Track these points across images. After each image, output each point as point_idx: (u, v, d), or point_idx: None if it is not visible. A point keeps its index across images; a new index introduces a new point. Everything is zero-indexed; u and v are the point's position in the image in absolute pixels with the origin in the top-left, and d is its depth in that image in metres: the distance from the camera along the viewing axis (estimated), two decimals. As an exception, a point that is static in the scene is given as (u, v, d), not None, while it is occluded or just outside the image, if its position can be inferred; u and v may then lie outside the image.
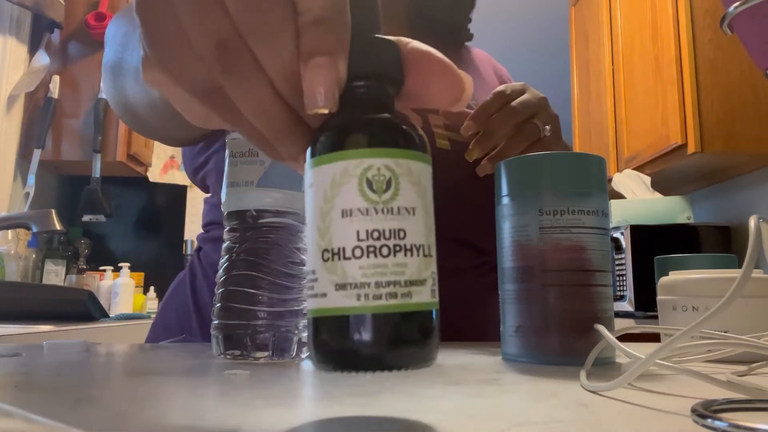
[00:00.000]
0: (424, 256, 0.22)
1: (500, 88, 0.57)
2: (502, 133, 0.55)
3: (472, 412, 0.23)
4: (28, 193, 2.17)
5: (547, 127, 0.56)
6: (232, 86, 0.23)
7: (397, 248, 0.21)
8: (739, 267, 0.39)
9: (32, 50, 2.24)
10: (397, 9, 0.73)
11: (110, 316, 1.45)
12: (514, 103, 0.55)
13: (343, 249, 0.21)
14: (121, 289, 1.95)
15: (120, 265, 2.02)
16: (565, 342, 0.38)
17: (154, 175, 2.44)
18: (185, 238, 2.47)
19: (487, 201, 0.57)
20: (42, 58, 2.22)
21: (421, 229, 0.22)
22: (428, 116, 0.64)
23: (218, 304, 0.40)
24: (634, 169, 2.14)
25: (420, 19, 0.75)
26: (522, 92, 0.57)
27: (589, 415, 0.23)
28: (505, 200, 0.42)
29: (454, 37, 0.79)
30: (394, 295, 0.21)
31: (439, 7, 0.76)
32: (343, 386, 0.29)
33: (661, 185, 2.19)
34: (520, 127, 0.55)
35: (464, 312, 0.62)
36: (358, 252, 0.21)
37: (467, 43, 0.84)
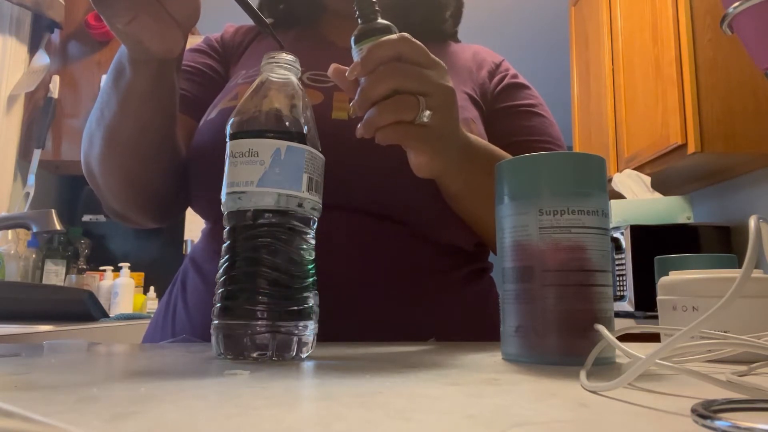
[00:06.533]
0: None
1: (394, 38, 0.48)
2: (378, 91, 0.47)
3: (472, 412, 0.23)
4: (28, 193, 2.17)
5: (427, 112, 0.48)
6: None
7: None
8: (739, 267, 0.39)
9: (32, 50, 2.24)
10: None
11: (110, 316, 1.45)
12: (403, 64, 0.47)
13: None
14: (121, 289, 1.95)
15: (120, 265, 2.02)
16: (565, 342, 0.38)
17: (154, 175, 2.44)
18: (185, 238, 2.47)
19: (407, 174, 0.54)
20: (42, 58, 2.22)
21: None
22: (333, 92, 0.64)
23: (218, 304, 0.40)
24: (634, 169, 2.14)
25: (395, 20, 0.76)
26: (427, 64, 0.49)
27: (589, 415, 0.23)
28: (505, 200, 0.42)
29: (433, 36, 0.80)
30: None
31: (412, 11, 0.78)
32: (343, 386, 0.29)
33: (661, 185, 2.19)
34: (398, 94, 0.47)
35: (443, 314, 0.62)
36: None
37: (461, 40, 0.85)
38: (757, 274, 0.44)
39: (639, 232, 1.91)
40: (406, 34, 0.49)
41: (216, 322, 0.40)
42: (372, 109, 0.47)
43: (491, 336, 0.62)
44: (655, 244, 1.90)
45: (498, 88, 0.75)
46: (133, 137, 0.61)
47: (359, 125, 0.48)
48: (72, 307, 1.27)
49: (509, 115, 0.73)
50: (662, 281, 0.48)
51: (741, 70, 1.84)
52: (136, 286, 2.04)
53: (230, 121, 0.43)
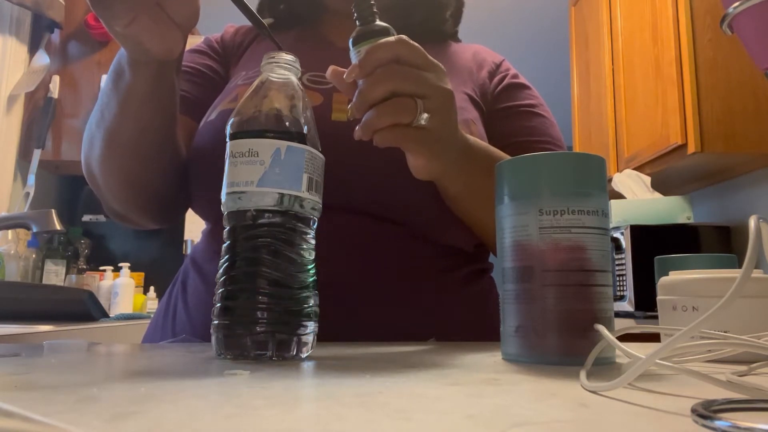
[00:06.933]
0: None
1: (392, 40, 0.48)
2: (376, 94, 0.47)
3: (472, 412, 0.23)
4: (28, 193, 2.17)
5: (425, 115, 0.47)
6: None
7: None
8: (739, 267, 0.39)
9: (32, 50, 2.24)
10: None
11: (110, 316, 1.45)
12: (401, 67, 0.47)
13: None
14: (121, 289, 1.95)
15: (120, 265, 2.02)
16: (565, 342, 0.38)
17: (154, 174, 2.44)
18: (185, 238, 2.47)
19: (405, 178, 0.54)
20: (42, 58, 2.22)
21: None
22: (333, 94, 0.65)
23: (218, 304, 0.40)
24: (634, 169, 2.14)
25: (395, 20, 0.77)
26: (425, 66, 0.49)
27: (589, 415, 0.23)
28: (505, 200, 0.42)
29: (433, 36, 0.80)
30: None
31: (411, 12, 0.78)
32: (343, 386, 0.29)
33: (661, 185, 2.19)
34: (395, 97, 0.47)
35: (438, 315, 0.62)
36: None
37: (462, 40, 0.85)
38: (757, 274, 0.44)
39: (639, 232, 1.91)
40: (404, 37, 0.49)
41: (216, 322, 0.40)
42: (370, 111, 0.47)
43: (491, 336, 0.62)
44: (655, 244, 1.90)
45: (498, 89, 0.75)
46: (134, 138, 0.61)
47: (357, 127, 0.48)
48: (72, 307, 1.27)
49: (509, 116, 0.73)
50: (662, 281, 0.48)
51: (741, 70, 1.84)
52: (136, 286, 2.04)
53: (230, 121, 0.43)
